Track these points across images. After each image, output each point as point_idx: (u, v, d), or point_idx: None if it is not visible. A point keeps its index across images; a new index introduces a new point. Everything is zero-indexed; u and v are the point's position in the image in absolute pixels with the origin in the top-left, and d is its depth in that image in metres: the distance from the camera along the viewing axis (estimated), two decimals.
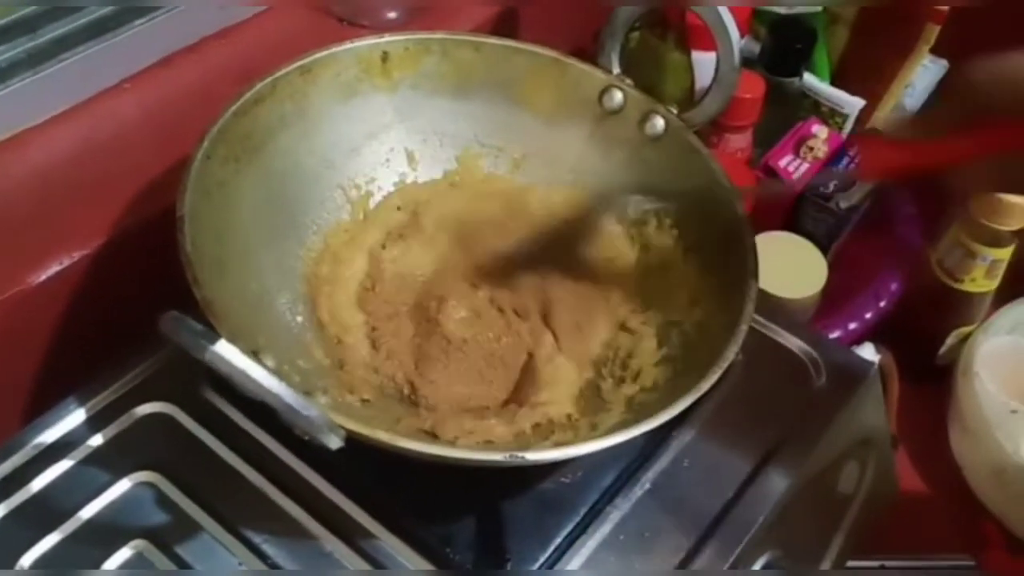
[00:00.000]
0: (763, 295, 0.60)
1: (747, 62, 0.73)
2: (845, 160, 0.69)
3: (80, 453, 0.45)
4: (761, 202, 0.65)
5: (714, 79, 0.50)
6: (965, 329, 0.68)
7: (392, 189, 0.55)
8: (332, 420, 0.35)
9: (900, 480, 0.60)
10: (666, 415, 0.40)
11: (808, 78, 0.73)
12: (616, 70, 0.54)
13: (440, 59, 0.54)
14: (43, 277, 0.49)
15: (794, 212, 0.68)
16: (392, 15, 0.66)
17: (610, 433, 0.39)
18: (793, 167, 0.69)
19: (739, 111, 0.67)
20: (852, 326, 0.66)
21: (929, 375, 0.70)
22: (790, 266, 0.63)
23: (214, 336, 0.33)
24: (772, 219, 0.67)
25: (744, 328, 0.44)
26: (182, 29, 0.61)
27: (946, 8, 0.69)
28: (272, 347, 0.44)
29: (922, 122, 0.42)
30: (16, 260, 0.49)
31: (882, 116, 0.74)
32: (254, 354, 0.38)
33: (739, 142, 0.69)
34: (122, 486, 0.44)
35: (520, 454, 0.38)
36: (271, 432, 0.46)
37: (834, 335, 0.66)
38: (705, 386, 0.41)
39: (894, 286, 0.68)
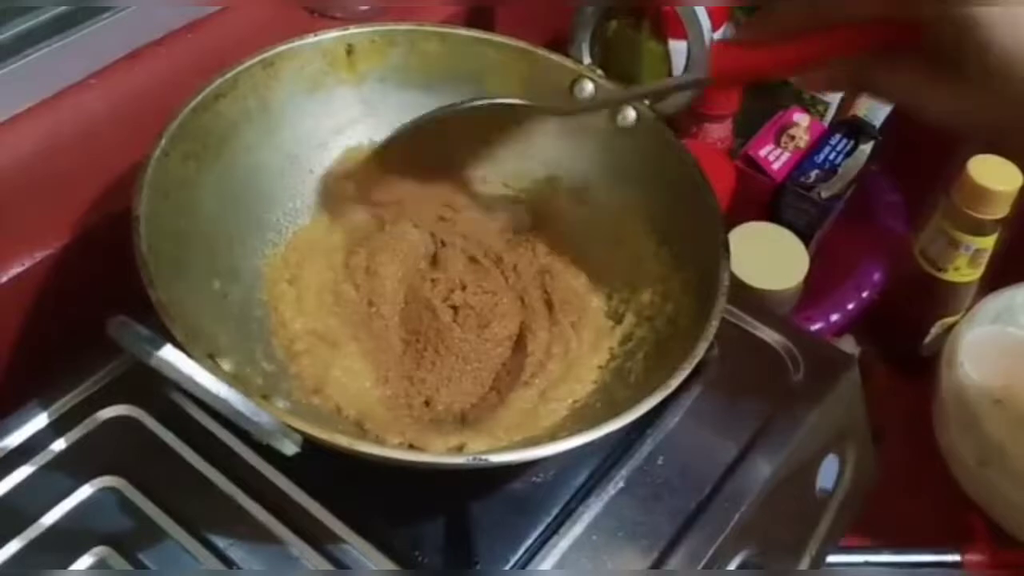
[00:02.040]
0: (744, 287, 0.60)
1: None
2: (827, 149, 0.69)
3: (43, 458, 0.44)
4: (741, 192, 0.65)
5: (685, 68, 0.49)
6: (949, 319, 0.68)
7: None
8: (286, 425, 0.34)
9: (884, 472, 0.59)
10: (636, 412, 0.39)
11: None
12: (587, 60, 0.53)
13: (407, 51, 0.53)
14: (4, 278, 0.48)
15: (775, 202, 0.67)
16: (364, 7, 0.65)
17: (577, 432, 0.38)
18: (774, 156, 0.68)
19: (718, 101, 0.67)
20: (834, 317, 0.66)
21: (913, 366, 0.70)
22: (771, 257, 0.63)
23: (160, 341, 0.32)
24: (753, 210, 0.66)
25: (716, 322, 0.43)
26: (149, 23, 0.60)
27: None
28: (234, 348, 0.43)
29: (767, 21, 0.41)
30: None
31: (864, 104, 0.73)
32: (211, 357, 0.38)
33: (719, 132, 0.68)
34: (85, 491, 0.43)
35: (484, 457, 0.37)
36: (237, 434, 0.45)
37: (816, 326, 0.65)
38: (675, 382, 0.40)
39: (877, 276, 0.68)
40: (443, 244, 0.53)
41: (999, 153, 0.61)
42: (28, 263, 0.49)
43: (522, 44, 0.53)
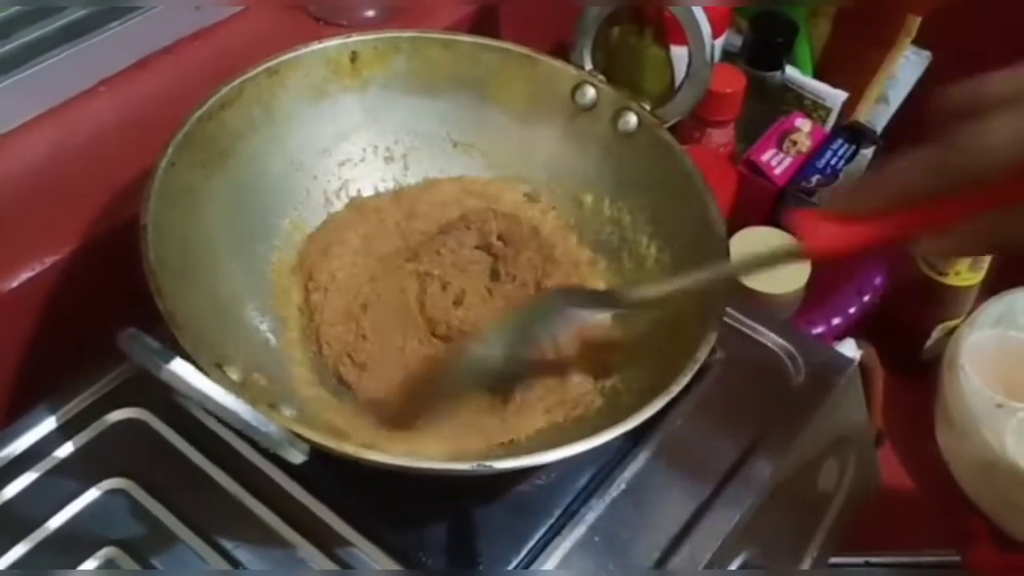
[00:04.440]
0: (746, 291, 0.60)
1: (729, 56, 0.73)
2: (828, 154, 0.69)
3: (52, 460, 0.45)
4: (743, 197, 0.65)
5: (687, 74, 0.49)
6: (950, 323, 0.68)
7: (364, 190, 0.54)
8: (294, 434, 0.35)
9: (886, 475, 0.59)
10: (639, 417, 0.39)
11: (790, 71, 0.73)
12: (588, 66, 0.53)
13: (410, 58, 0.53)
14: (15, 283, 0.49)
15: (777, 207, 0.68)
16: (370, 13, 0.65)
17: (581, 438, 0.39)
18: (776, 161, 0.68)
19: (721, 106, 0.67)
20: (836, 321, 0.66)
21: (915, 369, 0.70)
22: None
23: (169, 355, 0.33)
24: (755, 214, 0.67)
25: (717, 328, 0.43)
26: (157, 31, 0.61)
27: None
28: (241, 356, 0.44)
29: (877, 187, 0.35)
30: None
31: (865, 108, 0.74)
32: (218, 366, 0.38)
33: (721, 137, 0.69)
34: (94, 493, 0.44)
35: (487, 464, 0.37)
36: (244, 438, 0.45)
37: (818, 330, 0.66)
38: (678, 387, 0.41)
39: (878, 280, 0.68)
40: (448, 252, 0.54)
41: None
42: (38, 268, 0.49)
43: (524, 50, 0.54)
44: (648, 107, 0.52)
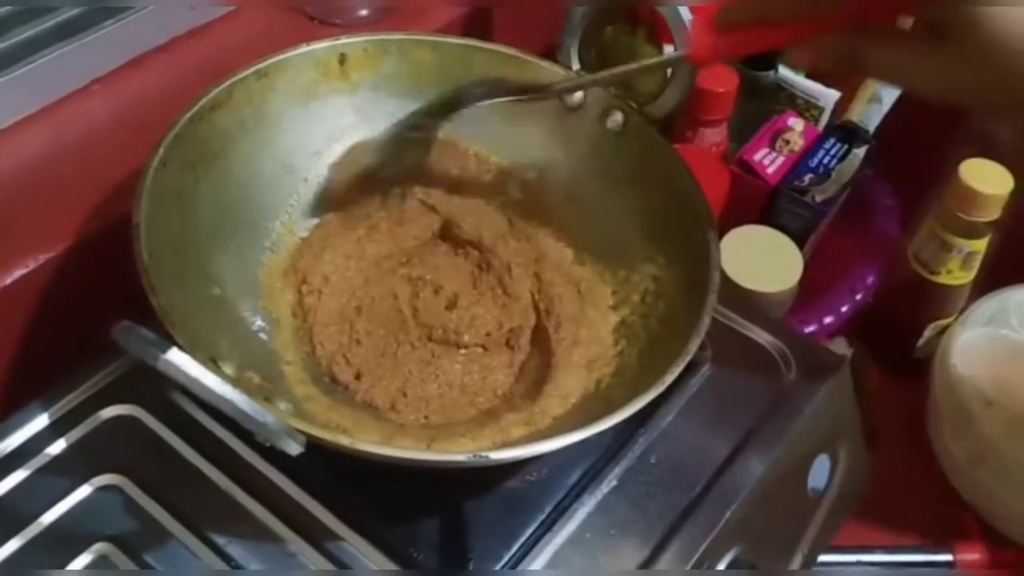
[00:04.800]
0: (738, 289, 0.60)
1: None
2: (821, 153, 0.69)
3: (45, 457, 0.45)
4: (736, 196, 0.65)
5: (672, 72, 0.50)
6: (942, 321, 0.68)
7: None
8: (290, 426, 0.35)
9: (878, 473, 0.60)
10: (630, 408, 0.40)
11: (783, 71, 0.73)
12: (575, 66, 0.54)
13: (399, 60, 0.54)
14: (8, 281, 0.49)
15: (769, 206, 0.68)
16: (364, 12, 0.66)
17: (573, 430, 0.39)
18: (769, 160, 0.69)
19: (713, 105, 0.67)
20: (828, 319, 0.66)
21: (907, 368, 0.70)
22: (766, 260, 0.63)
23: (166, 344, 0.33)
24: (748, 213, 0.67)
25: (708, 319, 0.44)
26: (152, 29, 0.61)
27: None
28: (235, 353, 0.44)
29: (753, 5, 0.41)
30: None
31: (858, 108, 0.74)
32: (213, 361, 0.39)
33: (714, 136, 0.69)
34: (87, 489, 0.44)
35: (484, 454, 0.38)
36: (237, 434, 0.46)
37: (810, 329, 0.66)
38: (670, 378, 0.41)
39: (870, 279, 0.68)
40: (440, 251, 0.54)
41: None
42: (32, 265, 0.49)
43: (511, 51, 0.54)
44: (635, 105, 0.52)
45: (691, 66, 0.44)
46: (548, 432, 0.45)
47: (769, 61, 0.71)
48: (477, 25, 0.69)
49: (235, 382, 0.36)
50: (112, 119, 0.57)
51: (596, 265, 0.53)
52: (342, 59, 0.52)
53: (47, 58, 0.56)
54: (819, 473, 0.52)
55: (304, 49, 0.51)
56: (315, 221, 0.53)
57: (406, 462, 0.39)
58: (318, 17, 0.66)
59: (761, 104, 0.72)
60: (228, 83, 0.48)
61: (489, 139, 0.55)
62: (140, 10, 0.59)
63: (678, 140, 0.69)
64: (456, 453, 0.42)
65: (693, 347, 0.42)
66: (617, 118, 0.52)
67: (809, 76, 0.74)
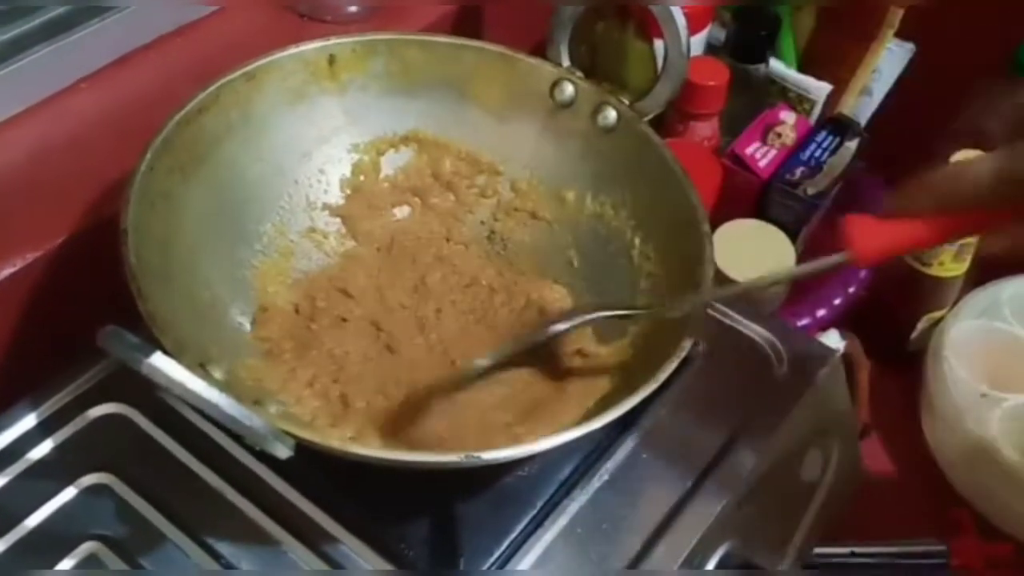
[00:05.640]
0: (731, 283, 0.60)
1: (713, 49, 0.73)
2: (813, 146, 0.69)
3: (34, 456, 0.45)
4: (728, 190, 0.65)
5: (663, 67, 0.49)
6: (935, 314, 0.68)
7: (345, 192, 0.54)
8: (279, 429, 0.35)
9: (871, 466, 0.60)
10: (622, 408, 0.39)
11: (775, 64, 0.73)
12: (566, 63, 0.53)
13: (388, 59, 0.53)
14: None
15: (762, 199, 0.68)
16: (353, 9, 0.65)
17: (566, 428, 0.39)
18: (761, 154, 0.68)
19: (704, 99, 0.67)
20: (821, 313, 0.66)
21: (900, 361, 0.70)
22: (758, 253, 0.63)
23: (150, 349, 0.33)
24: (740, 207, 0.67)
25: (700, 317, 0.43)
26: (139, 28, 0.60)
27: None
28: (225, 357, 0.44)
29: (924, 192, 0.35)
30: None
31: (850, 101, 0.74)
32: (201, 366, 0.38)
33: (705, 130, 0.69)
34: (76, 489, 0.44)
35: (476, 455, 0.37)
36: (228, 433, 0.45)
37: (803, 322, 0.66)
38: (663, 375, 0.41)
39: (863, 272, 0.68)
40: (433, 253, 0.54)
41: None
42: (19, 264, 0.49)
43: (501, 49, 0.54)
44: (627, 101, 0.52)
45: (853, 266, 0.38)
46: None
47: (760, 54, 0.71)
48: (467, 22, 0.69)
49: (223, 386, 0.35)
50: (99, 118, 0.57)
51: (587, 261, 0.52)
52: (331, 60, 0.52)
53: (33, 57, 0.56)
54: (811, 466, 0.52)
55: (293, 50, 0.51)
56: (307, 224, 0.53)
57: (397, 464, 0.38)
58: (307, 14, 0.65)
59: (752, 97, 0.72)
60: (215, 86, 0.48)
61: (480, 139, 0.55)
62: (124, 8, 0.59)
63: (669, 134, 0.69)
64: (448, 454, 0.42)
65: (687, 345, 0.42)
66: (609, 115, 0.52)
67: (801, 69, 0.74)
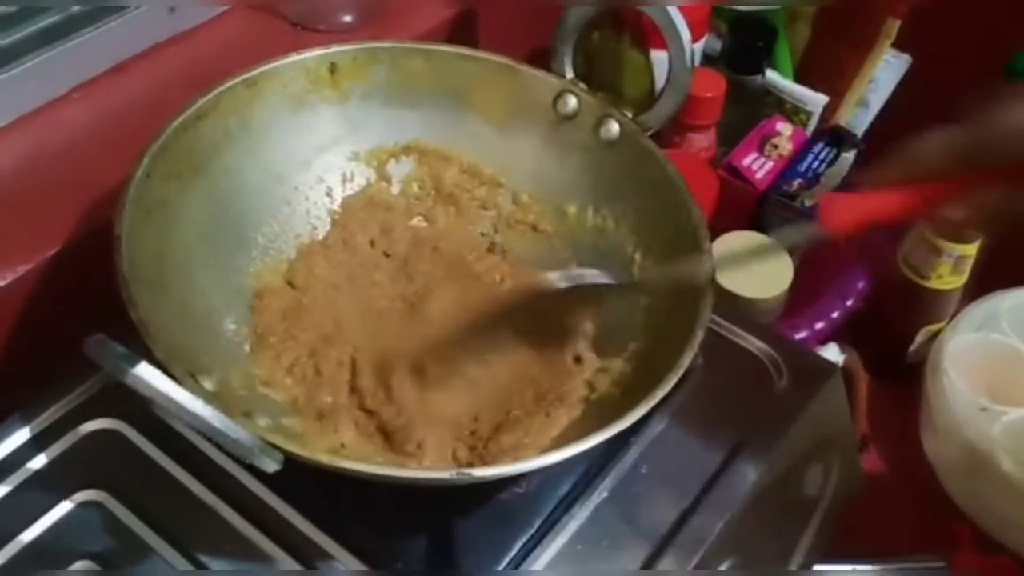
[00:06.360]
0: (729, 296, 0.60)
1: (709, 60, 0.73)
2: (810, 158, 0.69)
3: (24, 472, 0.44)
4: (725, 202, 0.65)
5: (667, 80, 0.49)
6: (934, 327, 0.68)
7: (345, 202, 0.54)
8: (265, 443, 0.34)
9: (871, 480, 0.59)
10: (620, 425, 0.39)
11: (771, 75, 0.73)
12: (569, 74, 0.53)
13: (390, 68, 0.53)
14: None
15: (759, 211, 0.67)
16: (347, 18, 0.65)
17: (563, 445, 0.38)
18: (758, 165, 0.68)
19: (701, 110, 0.67)
20: (819, 325, 0.66)
21: (899, 374, 0.70)
22: (756, 266, 0.63)
23: (135, 359, 0.32)
24: (737, 219, 0.67)
25: (701, 333, 0.43)
26: (133, 36, 0.60)
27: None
28: (217, 367, 0.43)
29: (901, 165, 0.37)
30: None
31: (846, 112, 0.74)
32: (192, 376, 0.38)
33: (702, 141, 0.69)
34: (68, 505, 0.43)
35: (467, 472, 0.37)
36: (221, 448, 0.44)
37: (801, 335, 0.65)
38: (662, 391, 0.40)
39: (861, 285, 0.68)
40: (431, 260, 0.53)
41: None
42: (10, 277, 0.48)
43: (505, 60, 0.53)
44: (630, 115, 0.52)
45: (822, 235, 0.40)
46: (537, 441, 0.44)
47: (756, 65, 0.71)
48: (463, 30, 0.68)
49: (211, 397, 0.35)
50: (93, 127, 0.56)
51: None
52: (332, 68, 0.52)
53: (27, 65, 0.55)
54: (812, 481, 0.52)
55: (294, 58, 0.51)
56: (306, 233, 0.52)
57: (387, 479, 0.38)
58: (301, 23, 0.65)
59: (749, 109, 0.72)
60: (215, 92, 0.47)
61: (482, 150, 0.55)
62: (124, 14, 0.58)
63: (665, 145, 0.69)
64: (439, 470, 0.41)
65: (687, 359, 0.41)
66: (612, 128, 0.52)
67: (797, 80, 0.73)
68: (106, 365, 0.33)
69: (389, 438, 0.45)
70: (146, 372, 0.32)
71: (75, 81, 0.58)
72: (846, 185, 0.68)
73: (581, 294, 0.49)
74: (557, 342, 0.49)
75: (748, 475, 0.46)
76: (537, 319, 0.49)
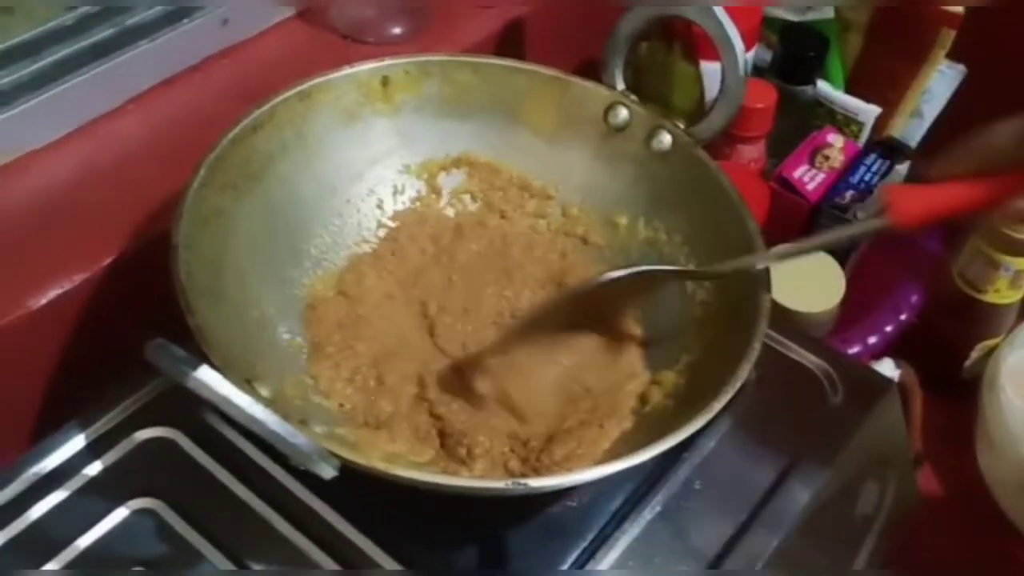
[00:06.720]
0: (780, 309, 0.59)
1: (759, 71, 0.72)
2: (862, 169, 0.68)
3: (80, 479, 0.44)
4: (776, 214, 0.64)
5: (720, 91, 0.49)
6: (990, 342, 0.67)
7: (396, 214, 0.54)
8: (323, 448, 0.34)
9: (925, 497, 0.58)
10: (676, 437, 0.39)
11: (822, 86, 0.72)
12: (620, 86, 0.53)
13: (441, 82, 0.53)
14: (43, 301, 0.48)
15: (811, 223, 0.67)
16: (397, 31, 0.65)
17: (615, 458, 0.38)
18: (809, 177, 0.67)
19: (751, 121, 0.66)
20: (872, 340, 0.65)
21: (954, 389, 0.69)
22: (807, 279, 0.62)
23: (196, 362, 0.33)
24: (788, 231, 0.66)
25: (757, 346, 0.42)
26: (185, 49, 0.61)
27: (960, 11, 0.68)
28: (272, 376, 0.43)
29: (968, 153, 0.37)
30: (17, 284, 0.49)
31: (899, 123, 0.72)
32: (248, 382, 0.38)
33: (752, 152, 0.68)
34: (122, 513, 0.43)
35: (523, 482, 0.37)
36: (274, 457, 0.45)
37: (854, 349, 0.64)
38: (719, 405, 0.40)
39: (915, 298, 0.67)
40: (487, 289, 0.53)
41: None
42: (67, 286, 0.49)
43: (554, 72, 0.53)
44: (682, 126, 0.51)
45: (892, 230, 0.39)
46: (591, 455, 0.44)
47: (807, 75, 0.70)
48: (511, 42, 0.68)
49: (269, 403, 0.35)
50: (146, 139, 0.57)
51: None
52: (384, 81, 0.52)
53: (81, 78, 0.56)
54: (868, 499, 0.51)
55: (347, 71, 0.51)
56: (357, 245, 0.53)
57: (442, 488, 0.38)
58: (351, 36, 0.65)
59: (799, 120, 0.71)
60: (270, 104, 0.48)
61: (532, 162, 0.55)
62: (175, 29, 0.59)
63: (715, 156, 0.68)
64: (494, 480, 0.41)
65: (743, 374, 0.41)
66: (664, 139, 0.51)
67: (848, 91, 0.72)
68: (166, 368, 0.33)
69: (445, 446, 0.45)
70: (207, 375, 0.33)
71: (129, 94, 0.59)
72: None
73: (636, 290, 0.49)
74: (611, 351, 0.49)
75: (802, 492, 0.45)
76: (592, 323, 0.49)
